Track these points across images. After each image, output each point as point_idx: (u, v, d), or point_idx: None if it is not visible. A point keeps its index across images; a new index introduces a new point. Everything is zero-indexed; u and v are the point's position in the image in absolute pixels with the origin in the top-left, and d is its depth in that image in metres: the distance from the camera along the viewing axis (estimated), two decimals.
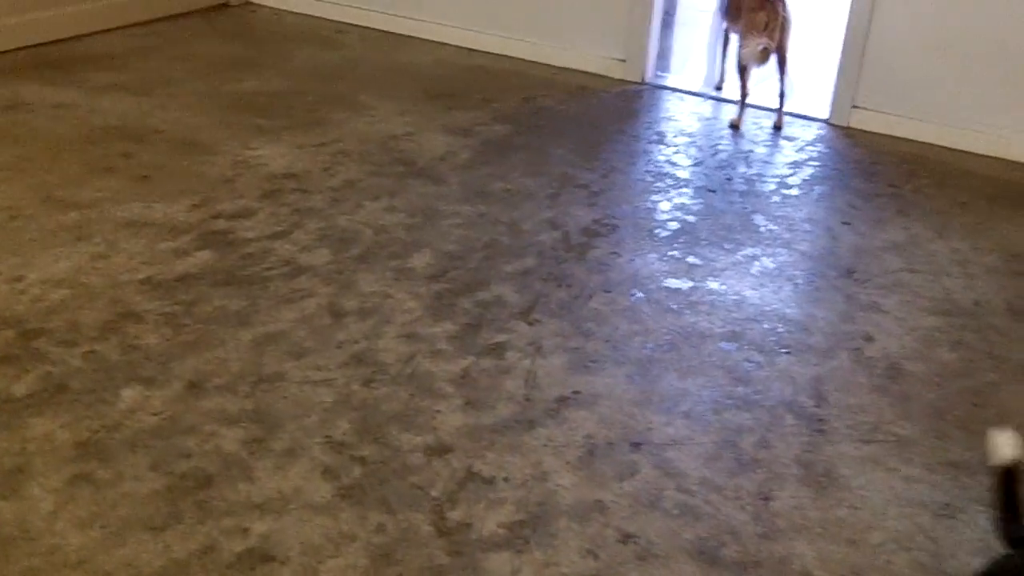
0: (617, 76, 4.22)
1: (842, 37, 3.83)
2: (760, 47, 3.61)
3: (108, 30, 4.28)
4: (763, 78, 3.95)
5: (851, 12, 3.77)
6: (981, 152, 3.71)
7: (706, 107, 4.07)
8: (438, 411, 2.07)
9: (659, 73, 4.29)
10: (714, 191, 3.27)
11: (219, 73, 3.92)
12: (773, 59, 3.68)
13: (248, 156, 3.20)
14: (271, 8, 4.78)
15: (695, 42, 4.57)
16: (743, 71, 3.77)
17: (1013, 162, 3.66)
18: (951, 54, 3.67)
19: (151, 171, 3.05)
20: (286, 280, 2.50)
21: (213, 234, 2.71)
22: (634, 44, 4.15)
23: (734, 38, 3.97)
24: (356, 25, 4.61)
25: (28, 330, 2.24)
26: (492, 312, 2.46)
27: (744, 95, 3.80)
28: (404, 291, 2.51)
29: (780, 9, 3.64)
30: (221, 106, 3.59)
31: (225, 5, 4.77)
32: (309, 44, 4.36)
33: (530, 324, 2.42)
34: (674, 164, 3.46)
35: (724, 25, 3.94)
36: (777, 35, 3.64)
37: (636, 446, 2.02)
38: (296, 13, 4.74)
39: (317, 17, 4.69)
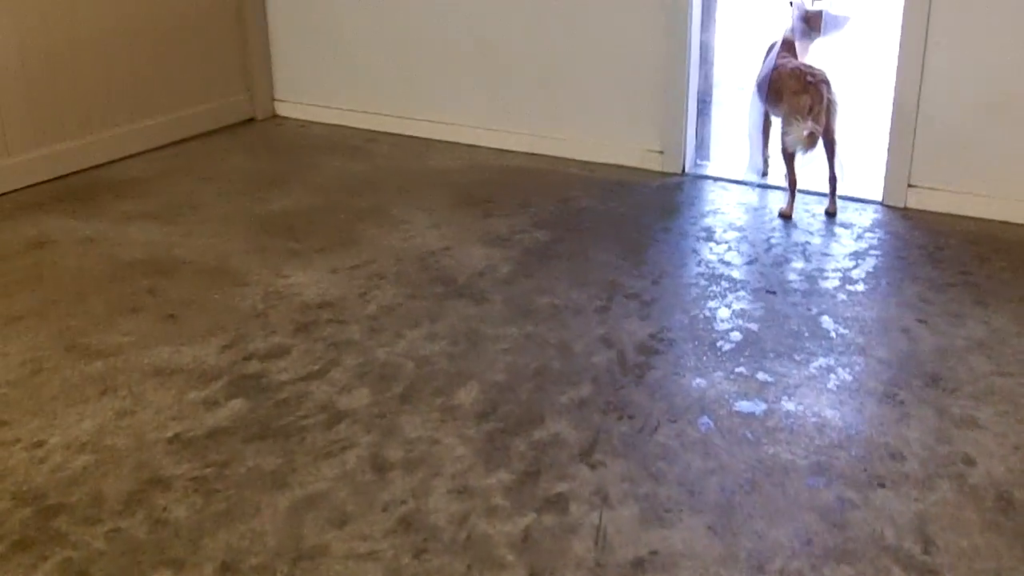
0: (655, 168, 4.05)
1: (891, 113, 3.64)
2: (806, 132, 3.43)
3: (133, 155, 4.19)
4: (811, 162, 3.76)
5: (898, 85, 3.59)
6: None
7: (752, 196, 3.88)
8: None
9: (699, 162, 4.12)
10: (774, 292, 3.06)
11: (248, 193, 3.80)
12: (820, 142, 3.50)
13: (280, 285, 3.04)
14: (298, 120, 4.69)
15: (734, 127, 4.40)
16: (789, 157, 3.58)
17: None
18: (1010, 119, 3.47)
19: (179, 308, 2.90)
20: (324, 430, 2.31)
21: (245, 378, 2.53)
22: (671, 133, 3.99)
23: (776, 121, 3.79)
24: (385, 132, 4.50)
25: (48, 507, 2.06)
26: (550, 455, 2.25)
27: (792, 182, 3.61)
28: (452, 434, 2.31)
29: (824, 91, 3.46)
30: (251, 229, 3.45)
31: (252, 120, 4.68)
32: (338, 155, 4.24)
33: (592, 467, 2.20)
34: (727, 263, 3.26)
35: (763, 108, 3.76)
36: (823, 118, 3.46)
37: None
38: (324, 124, 4.64)
39: (345, 127, 4.59)
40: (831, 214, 3.65)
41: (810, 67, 3.52)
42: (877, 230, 3.55)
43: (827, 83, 3.46)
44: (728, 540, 1.97)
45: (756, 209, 3.75)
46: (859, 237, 3.49)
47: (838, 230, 3.55)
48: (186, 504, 2.07)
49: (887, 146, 3.69)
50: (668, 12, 3.82)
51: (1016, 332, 2.84)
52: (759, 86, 3.70)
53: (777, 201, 3.82)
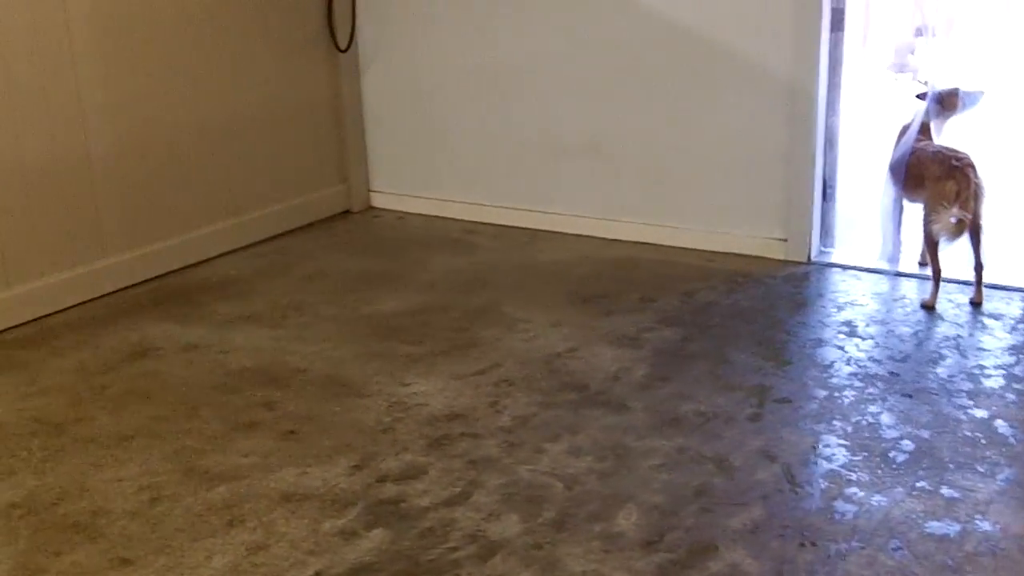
0: (778, 257, 3.84)
1: None
2: (954, 220, 3.20)
3: (228, 253, 4.07)
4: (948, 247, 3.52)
5: None
6: None
7: (885, 285, 3.64)
8: None
9: (823, 249, 3.90)
10: (936, 394, 2.81)
11: (353, 292, 3.64)
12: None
13: (403, 395, 2.85)
14: (395, 212, 4.56)
15: (860, 212, 4.18)
16: (933, 246, 3.35)
17: None
18: None
19: (299, 423, 2.72)
20: (479, 564, 2.10)
21: (382, 504, 2.33)
22: (795, 220, 3.78)
23: (909, 207, 3.58)
24: (485, 223, 4.35)
25: None
26: None
27: (937, 271, 3.37)
28: (620, 567, 2.08)
29: (972, 175, 3.24)
30: (362, 333, 3.28)
31: (347, 212, 4.56)
32: (439, 250, 4.09)
33: None
34: (877, 361, 3.02)
35: (897, 193, 3.55)
36: (971, 204, 3.24)
37: None
38: (421, 215, 4.50)
39: (443, 217, 4.45)
40: (977, 304, 3.40)
41: (954, 150, 3.31)
42: None
43: (973, 167, 3.25)
44: None
45: (894, 299, 3.52)
46: (1013, 329, 3.23)
47: (988, 321, 3.30)
48: None
49: None
50: (793, 97, 3.64)
51: None
52: (893, 170, 3.50)
53: (911, 290, 3.58)
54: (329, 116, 4.46)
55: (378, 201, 4.65)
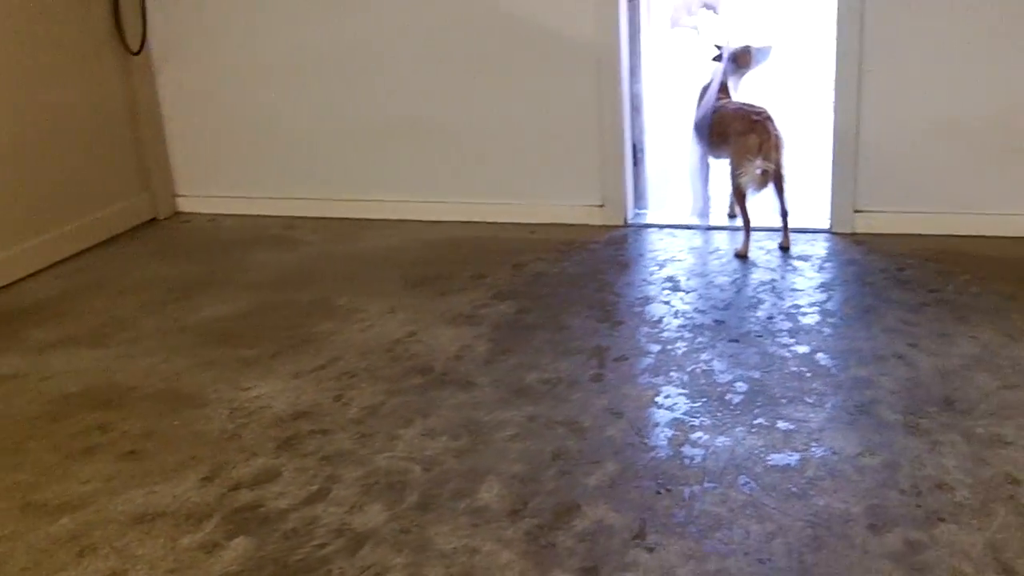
0: (597, 223, 3.95)
1: (831, 141, 3.64)
2: (759, 171, 3.39)
3: (34, 273, 3.84)
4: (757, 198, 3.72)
5: (836, 113, 3.59)
6: (1000, 234, 3.53)
7: (699, 239, 3.81)
8: None
9: (638, 211, 4.04)
10: (760, 336, 2.97)
11: (174, 302, 3.51)
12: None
13: (244, 400, 2.78)
14: (206, 215, 4.41)
15: (669, 174, 4.35)
16: (741, 197, 3.53)
17: None
18: (947, 136, 3.51)
19: (138, 442, 2.60)
20: (348, 557, 2.08)
21: (240, 512, 2.27)
22: (610, 186, 3.90)
23: (715, 163, 3.75)
24: (305, 217, 4.27)
25: None
26: (601, 544, 2.07)
27: (747, 222, 3.56)
28: (490, 539, 2.11)
29: (771, 128, 3.43)
30: (191, 342, 3.17)
31: (154, 220, 4.38)
32: (260, 248, 3.99)
33: (650, 551, 2.04)
34: (702, 311, 3.16)
35: (703, 150, 3.71)
36: (773, 155, 3.42)
37: None
38: (235, 215, 4.38)
39: (260, 216, 4.34)
40: (785, 248, 3.60)
41: (752, 106, 3.49)
42: (835, 259, 3.52)
43: (771, 120, 3.43)
44: None
45: (710, 252, 3.68)
46: (820, 268, 3.45)
47: (798, 264, 3.51)
48: None
49: (831, 174, 3.68)
50: (599, 66, 3.75)
51: (1004, 343, 2.83)
52: (698, 129, 3.66)
53: (723, 241, 3.76)
54: (125, 122, 4.27)
55: (186, 206, 4.49)
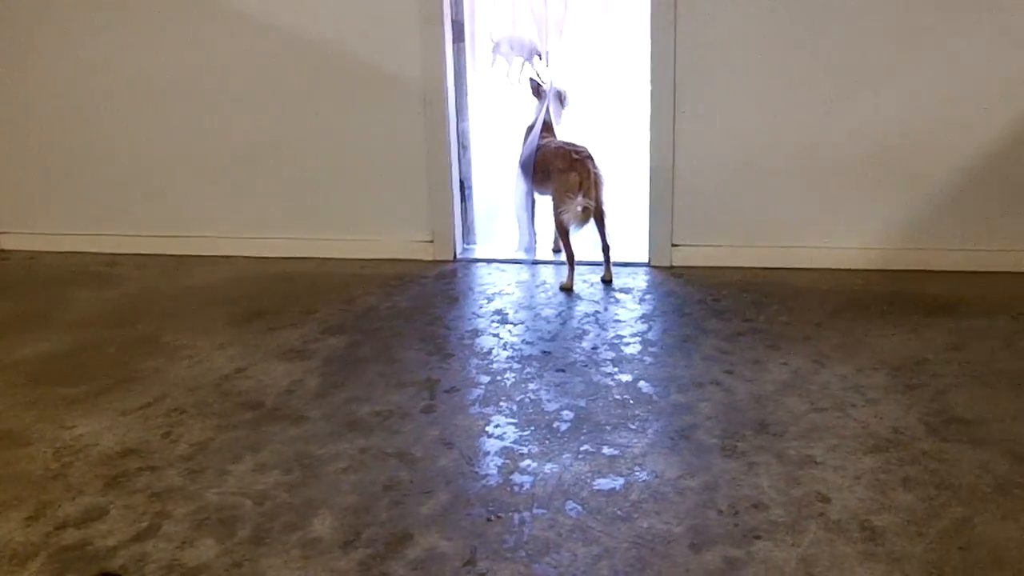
0: (427, 258, 4.02)
1: (648, 179, 3.83)
2: (580, 208, 3.53)
3: None
4: (580, 234, 3.87)
5: (653, 152, 3.79)
6: (807, 266, 3.80)
7: (526, 274, 3.93)
8: None
9: (466, 246, 4.13)
10: (586, 365, 3.09)
11: None
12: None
13: (69, 438, 2.69)
14: (25, 252, 4.24)
15: (496, 210, 4.47)
16: (564, 233, 3.67)
17: (832, 270, 3.76)
18: (755, 176, 3.76)
19: None
20: None
21: (66, 551, 2.19)
22: (439, 221, 3.99)
23: (541, 199, 3.88)
24: (127, 254, 4.17)
25: None
26: (433, 572, 2.11)
27: (570, 256, 3.70)
28: (323, 570, 2.12)
29: (591, 166, 3.59)
30: (11, 382, 3.04)
31: None
32: (82, 285, 3.87)
33: None
34: (530, 343, 3.26)
35: (529, 188, 3.85)
36: (593, 192, 3.58)
37: None
38: (55, 252, 4.23)
39: (80, 252, 4.21)
40: (607, 281, 3.76)
41: (573, 145, 3.64)
42: (655, 291, 3.70)
43: (591, 159, 3.59)
44: None
45: (536, 286, 3.80)
46: (641, 300, 3.62)
47: (620, 296, 3.66)
48: None
49: (648, 210, 3.87)
50: (426, 105, 3.83)
51: (813, 369, 3.04)
52: (523, 167, 3.78)
53: (549, 275, 3.89)
54: None
55: (5, 243, 4.30)
